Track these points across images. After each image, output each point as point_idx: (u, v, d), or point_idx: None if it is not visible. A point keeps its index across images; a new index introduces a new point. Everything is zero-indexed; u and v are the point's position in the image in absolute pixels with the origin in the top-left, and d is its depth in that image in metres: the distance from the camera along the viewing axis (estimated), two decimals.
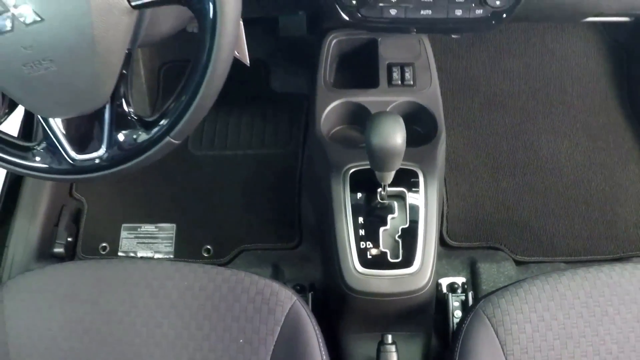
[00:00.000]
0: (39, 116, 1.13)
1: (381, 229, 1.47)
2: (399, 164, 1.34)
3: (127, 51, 1.05)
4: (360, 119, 1.64)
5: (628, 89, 2.34)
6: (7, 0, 0.93)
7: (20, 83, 1.01)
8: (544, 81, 2.35)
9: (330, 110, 1.64)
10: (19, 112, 1.99)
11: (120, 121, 1.11)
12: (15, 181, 2.05)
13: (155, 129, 1.09)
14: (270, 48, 2.25)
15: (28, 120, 2.08)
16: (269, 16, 1.77)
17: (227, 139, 2.26)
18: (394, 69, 1.69)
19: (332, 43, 1.74)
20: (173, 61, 2.40)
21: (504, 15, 1.32)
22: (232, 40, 1.00)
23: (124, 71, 1.07)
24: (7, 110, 1.23)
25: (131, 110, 1.12)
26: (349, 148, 1.59)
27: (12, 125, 2.01)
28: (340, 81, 1.73)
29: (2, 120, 1.21)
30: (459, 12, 1.30)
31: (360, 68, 1.74)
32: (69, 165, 1.14)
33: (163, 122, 1.08)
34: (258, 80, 2.28)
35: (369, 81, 1.68)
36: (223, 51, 0.99)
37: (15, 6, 0.93)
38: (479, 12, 1.31)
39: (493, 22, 1.33)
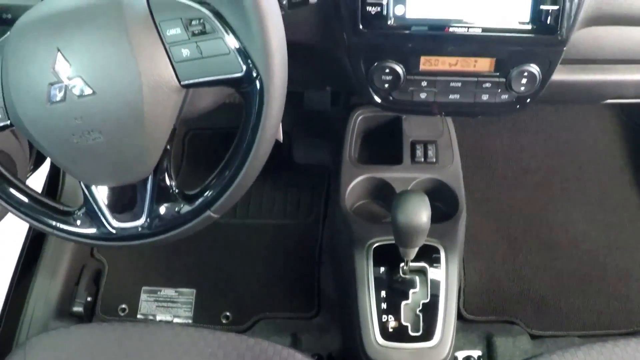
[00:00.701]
0: (82, 183, 1.15)
1: (403, 303, 1.50)
2: (422, 241, 1.38)
3: (172, 127, 1.08)
4: (384, 194, 1.69)
5: None
6: (61, 71, 0.97)
7: (67, 151, 1.03)
8: (560, 157, 2.38)
9: (354, 185, 1.68)
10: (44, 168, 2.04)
11: (162, 193, 1.14)
12: (37, 238, 2.08)
13: (197, 203, 1.12)
14: (293, 120, 2.30)
15: (53, 179, 2.12)
16: (296, 91, 1.82)
17: (249, 207, 2.30)
18: (418, 146, 1.74)
19: (358, 119, 1.80)
20: (198, 129, 2.45)
21: (528, 100, 1.36)
22: (277, 123, 1.03)
23: (168, 147, 1.10)
24: (32, 167, 1.26)
25: (173, 183, 1.14)
26: (373, 223, 1.63)
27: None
28: (365, 156, 1.77)
29: (28, 175, 1.23)
30: (485, 97, 1.34)
31: (385, 144, 1.78)
32: (109, 232, 1.16)
33: (204, 196, 1.11)
34: (280, 151, 2.33)
35: (393, 157, 1.73)
36: (268, 132, 1.02)
37: (69, 78, 0.97)
38: (505, 97, 1.34)
39: (518, 106, 1.37)
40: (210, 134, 2.42)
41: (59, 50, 0.97)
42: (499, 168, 2.35)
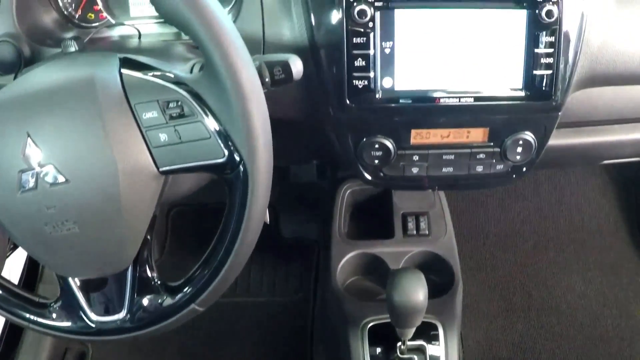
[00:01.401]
0: (57, 274, 1.09)
1: None
2: (420, 320, 1.32)
3: (152, 215, 1.02)
4: (377, 270, 1.63)
5: (638, 222, 2.34)
6: (32, 158, 0.92)
7: (40, 242, 0.97)
8: (554, 219, 2.35)
9: (345, 262, 1.63)
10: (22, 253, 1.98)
11: (143, 285, 1.07)
12: None
13: (180, 295, 1.06)
14: (279, 192, 2.24)
15: (33, 261, 2.06)
16: (281, 166, 1.78)
17: (236, 284, 2.23)
18: (409, 219, 1.69)
19: (346, 193, 1.75)
20: (182, 205, 2.39)
21: (524, 169, 1.32)
22: (263, 210, 0.98)
23: (148, 236, 1.04)
24: (12, 246, 1.21)
25: (155, 275, 1.08)
26: (367, 300, 1.57)
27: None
28: (355, 231, 1.73)
29: (8, 254, 1.17)
30: (480, 168, 1.30)
31: (375, 217, 1.74)
32: (88, 326, 1.09)
33: (188, 289, 1.05)
34: (267, 226, 2.24)
35: (384, 231, 1.68)
36: (253, 221, 0.97)
37: (40, 165, 0.92)
38: (500, 167, 1.30)
39: (514, 176, 1.33)
40: (195, 209, 2.36)
41: (29, 135, 0.92)
42: (492, 233, 2.32)
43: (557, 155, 1.41)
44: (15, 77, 1.11)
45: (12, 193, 0.93)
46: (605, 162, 1.55)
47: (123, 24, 1.32)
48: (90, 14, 1.35)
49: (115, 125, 0.92)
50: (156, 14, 1.29)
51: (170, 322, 1.07)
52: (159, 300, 1.07)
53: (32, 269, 2.09)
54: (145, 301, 1.07)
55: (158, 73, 0.97)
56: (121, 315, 1.08)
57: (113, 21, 1.33)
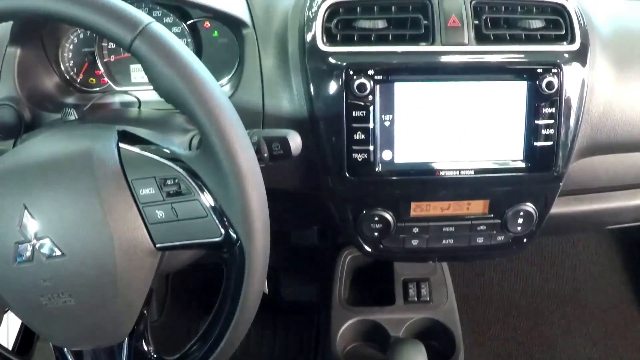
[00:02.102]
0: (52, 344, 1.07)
1: None
2: None
3: (149, 289, 1.00)
4: (377, 337, 1.60)
5: None
6: (28, 230, 0.91)
7: (36, 312, 0.96)
8: (557, 280, 2.32)
9: (345, 329, 1.60)
10: None
11: (138, 359, 1.06)
12: None
13: None
14: (280, 255, 2.22)
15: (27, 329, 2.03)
16: (283, 230, 1.77)
17: (235, 350, 2.19)
18: (410, 285, 1.67)
19: (347, 259, 1.74)
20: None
21: (525, 240, 1.31)
22: (259, 289, 0.97)
23: (145, 311, 1.03)
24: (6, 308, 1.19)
25: (151, 348, 1.06)
26: None
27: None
28: (356, 297, 1.70)
29: (6, 310, 1.16)
30: (480, 240, 1.29)
31: (375, 283, 1.72)
32: None
33: None
34: (268, 288, 2.23)
35: (385, 297, 1.66)
36: (250, 300, 0.96)
37: (36, 237, 0.91)
38: (501, 238, 1.30)
39: (514, 247, 1.32)
40: (193, 271, 2.31)
41: (25, 207, 0.91)
42: (494, 296, 2.29)
43: (559, 223, 1.39)
44: (15, 143, 1.11)
45: (8, 264, 0.92)
46: (609, 227, 1.54)
47: (124, 92, 1.32)
48: (91, 79, 1.36)
49: (113, 200, 0.91)
50: None
51: None
52: None
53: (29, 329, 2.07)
54: None
55: (155, 148, 0.97)
56: None
57: (115, 87, 1.33)
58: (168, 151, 0.96)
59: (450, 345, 1.59)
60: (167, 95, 0.89)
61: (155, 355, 1.06)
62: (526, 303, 2.27)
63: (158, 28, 0.88)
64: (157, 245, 0.93)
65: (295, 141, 1.02)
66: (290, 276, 2.28)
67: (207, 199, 0.91)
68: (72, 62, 1.34)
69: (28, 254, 0.91)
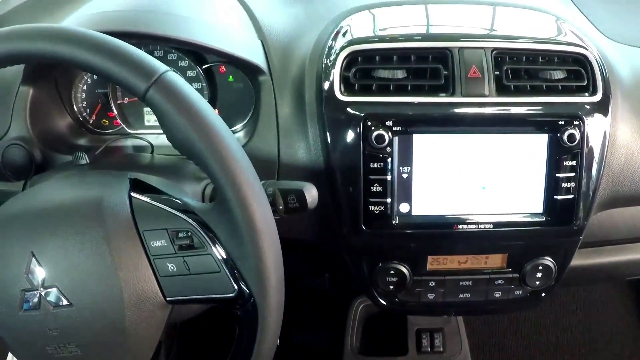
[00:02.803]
0: None
1: None
2: None
3: (158, 342, 0.98)
4: None
5: None
6: (35, 278, 0.89)
7: None
8: (571, 329, 2.29)
9: None
10: None
11: None
12: None
13: None
14: (291, 300, 2.19)
15: None
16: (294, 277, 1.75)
17: None
18: (423, 335, 1.66)
19: (360, 307, 1.73)
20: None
21: (543, 294, 1.29)
22: (272, 347, 0.94)
23: None
24: None
25: None
26: None
27: None
28: (368, 346, 1.69)
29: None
30: (497, 294, 1.27)
31: (388, 332, 1.70)
32: None
33: None
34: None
35: (397, 347, 1.65)
36: (262, 358, 0.93)
37: (43, 286, 0.89)
38: (519, 292, 1.28)
39: (532, 301, 1.30)
40: (202, 321, 2.29)
41: (33, 254, 0.89)
42: (509, 345, 2.25)
43: (577, 275, 1.37)
44: (25, 184, 1.11)
45: (14, 311, 0.90)
46: (628, 279, 1.52)
47: (136, 136, 1.32)
48: (104, 120, 1.35)
49: (123, 251, 0.89)
50: None
51: None
52: None
53: None
54: None
55: (168, 198, 0.95)
56: None
57: (128, 130, 1.33)
58: (180, 202, 0.94)
59: None
60: (180, 146, 0.87)
61: None
62: (540, 352, 2.24)
63: (173, 77, 0.86)
64: (168, 299, 0.92)
65: (311, 194, 1.01)
66: (301, 320, 2.25)
67: (219, 253, 0.90)
68: (85, 102, 1.33)
69: (35, 301, 0.90)
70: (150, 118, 1.35)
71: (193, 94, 0.87)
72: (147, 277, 0.90)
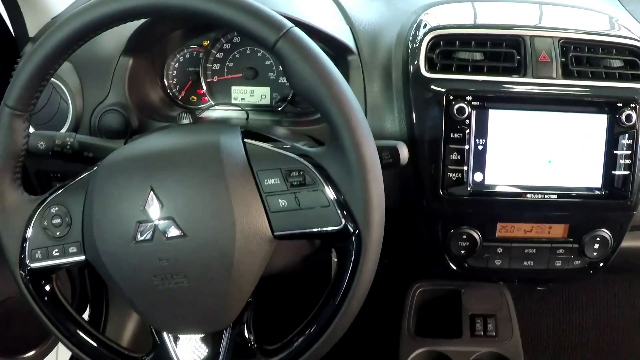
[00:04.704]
0: (153, 327, 1.09)
1: None
2: None
3: (259, 278, 1.01)
4: None
5: None
6: (151, 211, 0.96)
7: (146, 293, 0.99)
8: (611, 331, 2.31)
9: (413, 358, 1.65)
10: None
11: (238, 348, 1.07)
12: None
13: (278, 359, 1.06)
14: None
15: (97, 306, 2.00)
16: None
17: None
18: (477, 320, 1.72)
19: (417, 292, 1.80)
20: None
21: (601, 265, 1.37)
22: (370, 279, 0.99)
23: (251, 298, 1.04)
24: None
25: (252, 337, 1.09)
26: None
27: None
28: (423, 329, 1.75)
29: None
30: (558, 264, 1.35)
31: (443, 317, 1.77)
32: None
33: (286, 352, 1.05)
34: None
35: (452, 330, 1.71)
36: (360, 291, 0.99)
37: (159, 218, 0.95)
38: (578, 262, 1.36)
39: (590, 272, 1.38)
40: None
41: (152, 189, 0.96)
42: (550, 346, 2.29)
43: (630, 256, 1.45)
44: (125, 143, 1.17)
45: (127, 241, 0.97)
46: None
47: (228, 108, 1.42)
48: (193, 97, 1.45)
49: (238, 189, 0.95)
50: (255, 101, 1.39)
51: None
52: None
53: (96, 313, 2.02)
54: None
55: (280, 144, 1.04)
56: None
57: (214, 105, 1.43)
58: (291, 146, 1.03)
59: None
60: (304, 92, 0.96)
61: (255, 345, 1.09)
62: (580, 353, 2.27)
63: (299, 32, 0.96)
64: (276, 234, 0.97)
65: (403, 152, 1.09)
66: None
67: (330, 192, 0.96)
68: (175, 79, 1.44)
69: (148, 233, 0.96)
70: (237, 96, 1.44)
71: (316, 47, 0.97)
72: (259, 212, 0.96)
